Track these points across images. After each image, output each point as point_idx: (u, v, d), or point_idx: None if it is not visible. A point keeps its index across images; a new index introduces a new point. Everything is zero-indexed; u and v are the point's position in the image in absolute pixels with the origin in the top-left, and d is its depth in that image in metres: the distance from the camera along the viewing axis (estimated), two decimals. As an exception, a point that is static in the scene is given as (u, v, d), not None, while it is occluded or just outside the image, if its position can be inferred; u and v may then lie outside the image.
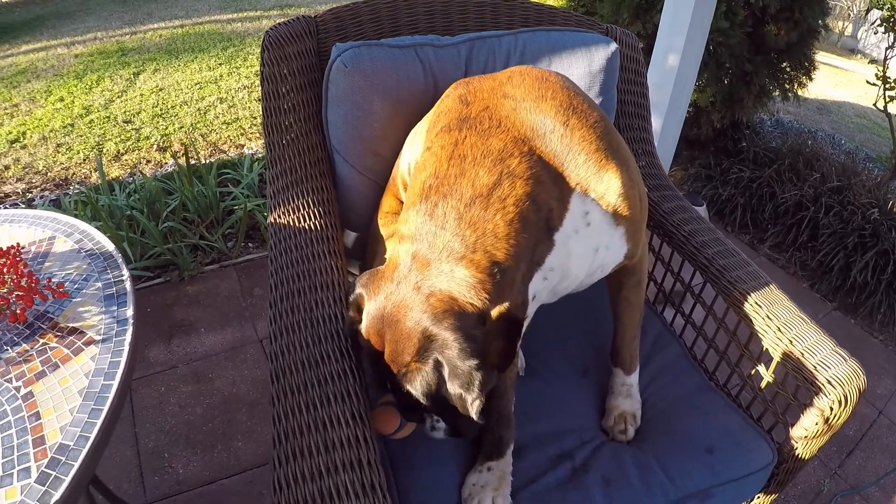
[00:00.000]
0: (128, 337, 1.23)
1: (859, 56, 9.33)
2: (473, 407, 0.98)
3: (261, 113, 1.65)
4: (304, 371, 1.15)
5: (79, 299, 1.32)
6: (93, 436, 1.03)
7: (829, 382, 1.34)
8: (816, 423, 1.38)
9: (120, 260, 1.42)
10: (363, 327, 1.09)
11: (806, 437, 1.42)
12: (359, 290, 1.12)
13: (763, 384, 1.58)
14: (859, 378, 1.36)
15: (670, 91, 2.96)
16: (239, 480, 2.08)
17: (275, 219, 1.50)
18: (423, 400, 1.03)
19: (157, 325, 2.65)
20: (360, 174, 1.59)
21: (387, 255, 1.13)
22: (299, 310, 1.27)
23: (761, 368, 1.57)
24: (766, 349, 1.51)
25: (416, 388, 1.03)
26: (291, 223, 1.47)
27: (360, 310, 1.12)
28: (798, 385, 1.43)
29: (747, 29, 3.50)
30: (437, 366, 1.00)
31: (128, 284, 1.35)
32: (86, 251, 1.45)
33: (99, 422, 1.05)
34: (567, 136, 1.14)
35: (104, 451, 1.10)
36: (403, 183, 1.45)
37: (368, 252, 1.59)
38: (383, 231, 1.46)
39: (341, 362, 1.17)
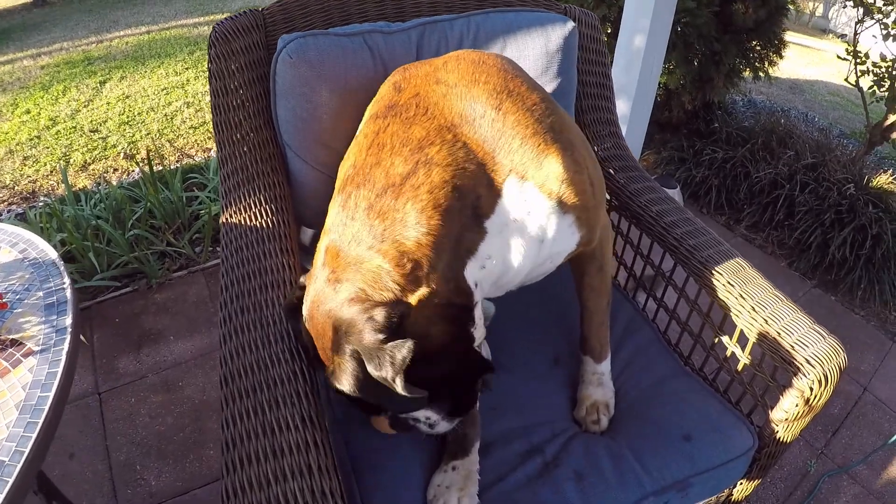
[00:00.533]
0: (66, 347, 1.17)
1: (831, 35, 9.34)
2: (397, 384, 0.93)
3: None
4: (253, 374, 1.11)
5: (20, 310, 1.26)
6: (27, 450, 0.98)
7: (808, 361, 1.30)
8: (797, 405, 1.33)
9: (62, 268, 1.36)
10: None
11: (787, 419, 1.37)
12: (297, 291, 1.10)
13: (740, 366, 1.54)
14: (839, 355, 1.32)
15: (638, 73, 2.92)
16: (211, 490, 2.03)
17: (226, 218, 1.45)
18: (357, 394, 1.00)
19: (126, 336, 2.59)
20: (312, 168, 1.54)
21: None
22: (249, 310, 1.22)
23: (737, 350, 1.53)
24: (742, 330, 1.47)
25: (345, 385, 1.00)
26: (242, 222, 1.42)
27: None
28: (776, 366, 1.39)
29: (714, 8, 3.47)
30: (354, 354, 0.97)
31: (68, 292, 1.30)
32: (29, 260, 1.40)
33: (33, 436, 1.00)
34: (499, 121, 1.10)
35: (41, 464, 1.06)
36: None
37: None
38: None
39: (291, 364, 1.12)
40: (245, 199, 1.48)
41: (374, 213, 1.01)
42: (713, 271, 1.51)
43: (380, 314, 0.96)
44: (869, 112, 3.99)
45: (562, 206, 1.15)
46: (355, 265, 1.00)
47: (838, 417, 2.52)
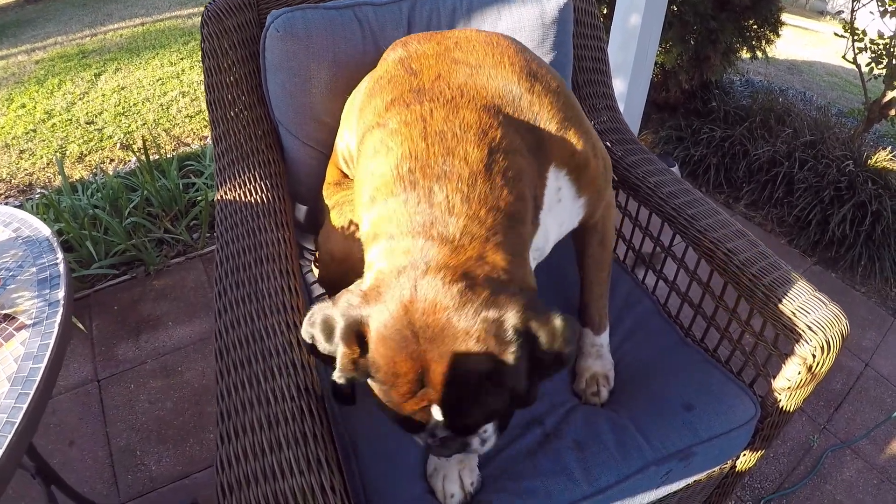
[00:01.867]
0: (58, 318, 1.17)
1: (828, 17, 9.33)
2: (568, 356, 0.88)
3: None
4: (248, 346, 1.10)
5: (13, 286, 1.26)
6: (17, 421, 0.97)
7: (810, 328, 1.29)
8: (799, 373, 1.32)
9: (55, 244, 1.36)
10: (377, 358, 0.89)
11: (789, 387, 1.37)
12: (357, 312, 0.90)
13: (741, 336, 1.53)
14: (841, 322, 1.31)
15: (634, 52, 2.91)
16: (211, 473, 2.02)
17: (221, 195, 1.45)
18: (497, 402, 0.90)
19: (125, 322, 2.59)
20: (303, 144, 1.53)
21: (367, 264, 0.99)
22: (245, 284, 1.22)
23: (738, 319, 1.52)
24: (742, 299, 1.46)
25: (512, 378, 0.88)
26: (237, 199, 1.42)
27: (358, 341, 0.90)
28: (777, 334, 1.38)
29: (710, -14, 3.46)
30: (525, 342, 0.86)
31: (61, 267, 1.29)
32: (23, 238, 1.39)
33: (25, 406, 0.99)
34: (535, 105, 1.06)
35: (34, 435, 1.05)
36: (344, 158, 1.40)
37: (320, 227, 1.49)
38: (328, 203, 1.39)
39: (287, 335, 1.12)
40: (240, 176, 1.47)
41: (475, 203, 0.91)
42: (712, 239, 1.50)
43: (532, 301, 0.88)
44: (867, 90, 3.97)
45: (580, 190, 1.14)
46: (479, 260, 0.89)
47: (840, 393, 2.52)
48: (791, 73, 6.06)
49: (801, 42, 7.38)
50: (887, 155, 3.51)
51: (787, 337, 1.34)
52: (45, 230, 1.40)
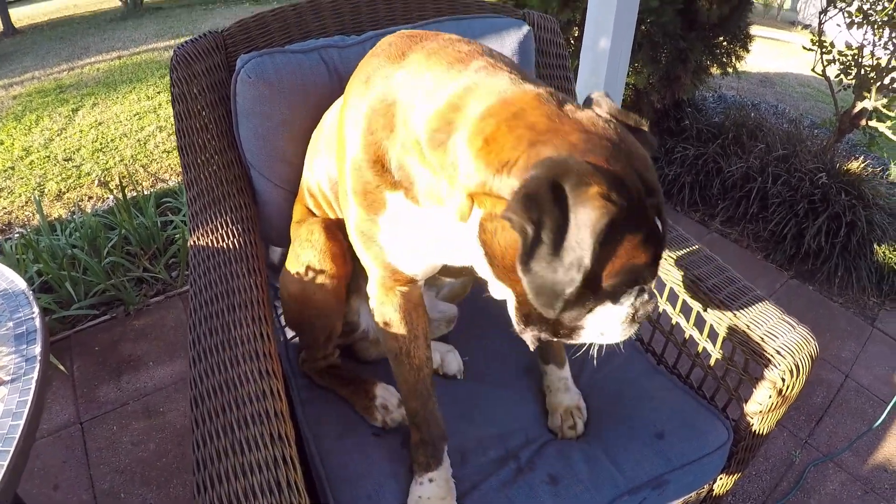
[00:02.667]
0: (35, 375, 1.17)
1: (800, 27, 9.45)
2: None
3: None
4: (222, 394, 1.11)
5: (-10, 342, 1.26)
6: (-1, 478, 0.97)
7: (779, 352, 1.32)
8: (770, 396, 1.35)
9: (31, 297, 1.35)
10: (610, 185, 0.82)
11: (761, 411, 1.39)
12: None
13: (712, 361, 1.55)
14: (810, 344, 1.34)
15: (604, 74, 2.94)
16: (196, 514, 2.02)
17: (194, 241, 1.45)
18: None
19: (106, 364, 2.58)
20: (276, 186, 1.55)
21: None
22: (218, 332, 1.22)
23: (708, 345, 1.54)
24: (711, 325, 1.48)
25: None
26: (210, 244, 1.43)
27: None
28: (747, 359, 1.40)
29: (678, 6, 3.50)
30: None
31: (37, 321, 1.29)
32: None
33: (5, 464, 1.00)
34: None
35: (14, 492, 1.05)
36: (311, 192, 1.41)
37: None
38: (294, 243, 1.39)
39: (260, 383, 1.12)
40: (212, 221, 1.48)
41: None
42: (680, 267, 1.53)
43: None
44: (837, 100, 4.02)
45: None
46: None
47: (821, 406, 2.54)
48: (764, 85, 6.13)
49: (773, 54, 7.47)
50: (860, 165, 3.55)
51: (756, 362, 1.36)
52: (21, 283, 1.40)
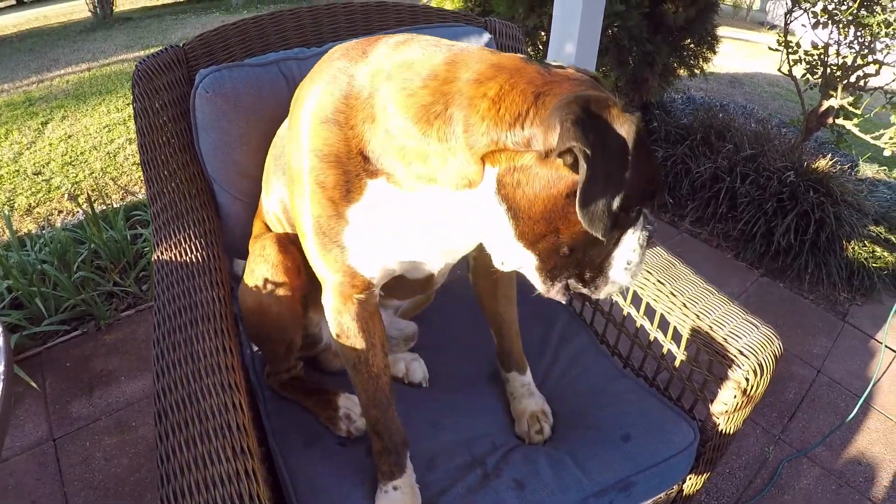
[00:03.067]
0: (-1, 391, 1.16)
1: (768, 28, 9.56)
2: None
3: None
4: (186, 408, 1.11)
5: (-47, 360, 1.25)
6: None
7: (741, 353, 1.34)
8: (735, 396, 1.36)
9: (-8, 315, 1.35)
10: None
11: (726, 411, 1.40)
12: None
13: (677, 363, 1.56)
14: (773, 344, 1.35)
15: (571, 80, 2.96)
16: (170, 528, 2.01)
17: (158, 255, 1.45)
18: None
19: (78, 379, 2.56)
20: (236, 199, 1.56)
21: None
22: (181, 346, 1.22)
23: (672, 347, 1.56)
24: (675, 327, 1.50)
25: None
26: (174, 258, 1.42)
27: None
28: (711, 359, 1.41)
29: (644, 10, 3.54)
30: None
31: (0, 340, 1.28)
32: None
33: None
34: None
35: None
36: (277, 218, 1.41)
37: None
38: (249, 258, 1.40)
39: (223, 396, 1.13)
40: (176, 235, 1.48)
41: None
42: (644, 271, 1.55)
43: None
44: (805, 100, 4.07)
45: None
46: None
47: (794, 402, 2.57)
48: (733, 86, 6.20)
49: (743, 54, 7.56)
50: (828, 163, 3.60)
51: (720, 363, 1.38)
52: None
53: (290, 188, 1.19)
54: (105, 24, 9.91)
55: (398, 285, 1.32)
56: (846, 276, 3.30)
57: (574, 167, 0.87)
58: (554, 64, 1.00)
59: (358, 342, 1.23)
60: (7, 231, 3.38)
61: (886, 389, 2.67)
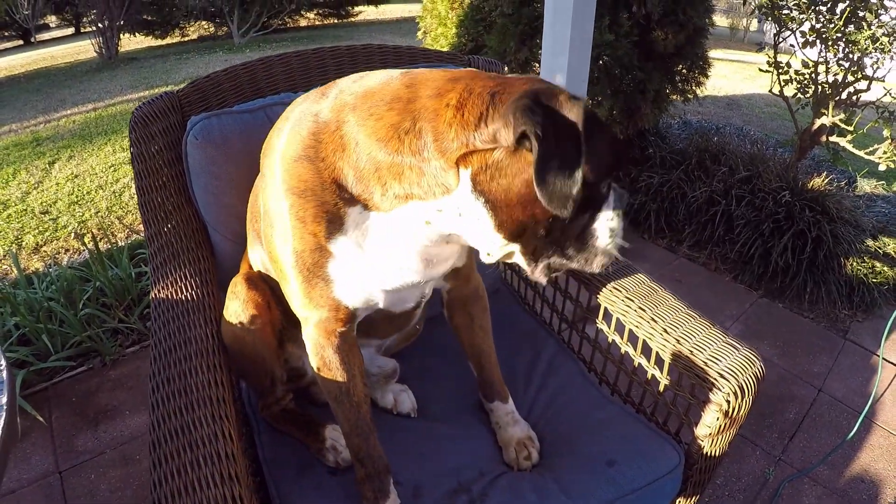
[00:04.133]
0: (1, 422, 1.22)
1: (767, 48, 9.59)
2: None
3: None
4: (178, 438, 1.17)
5: (-41, 392, 1.31)
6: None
7: (722, 376, 1.36)
8: (717, 419, 1.38)
9: None
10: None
11: (710, 434, 1.42)
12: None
13: (661, 387, 1.59)
14: (754, 365, 1.38)
15: (563, 109, 3.00)
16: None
17: (156, 294, 1.50)
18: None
19: (83, 414, 2.60)
20: (228, 240, 1.61)
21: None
22: (174, 379, 1.28)
23: (656, 371, 1.58)
24: (657, 352, 1.53)
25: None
26: (170, 296, 1.48)
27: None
28: (693, 383, 1.44)
29: (634, 38, 3.58)
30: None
31: (4, 374, 1.34)
32: None
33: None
34: None
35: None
36: (261, 273, 1.46)
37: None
38: (227, 295, 1.45)
39: (212, 426, 1.18)
40: (172, 275, 1.53)
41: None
42: (625, 298, 1.58)
43: None
44: (798, 118, 4.09)
45: None
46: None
47: (794, 422, 2.57)
48: (730, 108, 6.24)
49: (741, 76, 7.60)
50: (823, 181, 3.63)
51: (701, 386, 1.40)
52: None
53: (268, 233, 1.24)
54: (110, 65, 10.08)
55: (378, 323, 1.39)
56: (846, 293, 3.31)
57: None
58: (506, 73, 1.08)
59: (340, 374, 1.28)
60: (15, 269, 3.44)
61: (889, 405, 2.67)
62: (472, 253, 1.39)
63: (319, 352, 1.27)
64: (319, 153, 1.10)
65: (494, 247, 1.10)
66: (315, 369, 1.29)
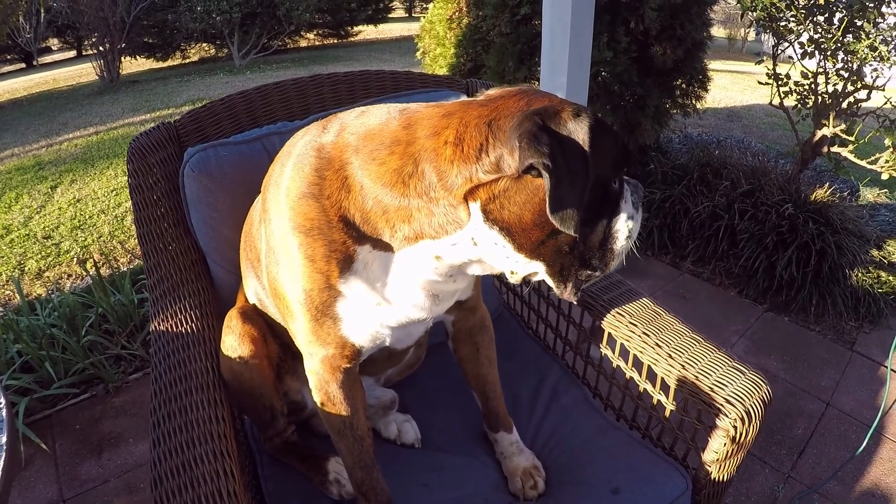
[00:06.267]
0: (0, 462, 1.21)
1: (766, 58, 9.61)
2: None
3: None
4: (180, 475, 1.15)
5: (-40, 429, 1.31)
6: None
7: (728, 401, 1.34)
8: (724, 444, 1.36)
9: (-1, 388, 1.41)
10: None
11: (717, 459, 1.40)
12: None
13: (667, 412, 1.56)
14: (761, 390, 1.35)
15: (562, 127, 3.00)
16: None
17: (156, 326, 1.50)
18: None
19: (87, 441, 2.59)
20: (227, 272, 1.60)
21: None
22: (175, 415, 1.26)
23: (661, 397, 1.56)
24: (662, 378, 1.50)
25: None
26: (169, 329, 1.47)
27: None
28: (700, 409, 1.42)
29: (632, 54, 3.59)
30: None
31: (3, 412, 1.34)
32: None
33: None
34: None
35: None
36: (257, 306, 1.46)
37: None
38: (223, 330, 1.44)
39: (214, 464, 1.17)
40: (171, 307, 1.53)
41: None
42: (629, 323, 1.57)
43: None
44: (799, 129, 4.08)
45: None
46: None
47: (803, 438, 2.54)
48: (731, 120, 6.24)
49: (740, 87, 7.62)
50: (826, 192, 3.61)
51: (707, 411, 1.38)
52: None
53: (273, 270, 1.23)
54: (112, 88, 10.15)
55: (377, 359, 1.40)
56: (852, 305, 3.29)
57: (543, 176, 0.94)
58: (492, 92, 1.08)
59: (343, 409, 1.27)
60: (17, 295, 3.44)
61: (898, 416, 2.64)
62: (479, 283, 1.38)
63: (323, 387, 1.26)
64: (324, 191, 1.10)
65: (517, 266, 1.08)
66: (318, 404, 1.28)
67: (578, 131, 0.95)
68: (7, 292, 3.84)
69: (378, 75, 1.84)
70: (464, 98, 1.09)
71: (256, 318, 1.40)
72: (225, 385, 1.39)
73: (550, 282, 1.11)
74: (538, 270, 1.09)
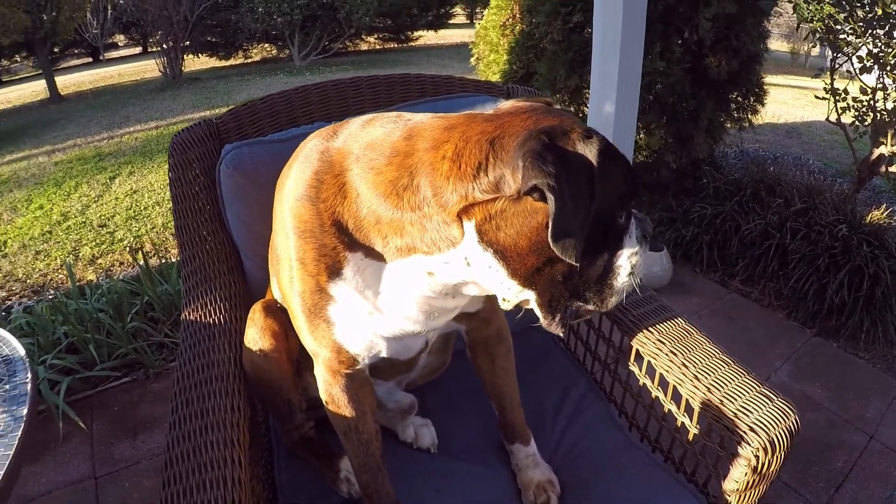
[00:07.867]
0: (19, 433, 1.28)
1: (823, 74, 9.38)
2: None
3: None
4: (191, 459, 1.19)
5: (-14, 400, 1.38)
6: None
7: (752, 429, 1.27)
8: (745, 474, 1.28)
9: (27, 364, 1.48)
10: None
11: (738, 489, 1.32)
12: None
13: (690, 436, 1.49)
14: (788, 419, 1.28)
15: (611, 137, 2.98)
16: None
17: (186, 315, 1.53)
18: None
19: (123, 423, 2.66)
20: (259, 267, 1.62)
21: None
22: (193, 402, 1.29)
23: (685, 420, 1.49)
24: (687, 399, 1.45)
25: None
26: (199, 319, 1.50)
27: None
28: (723, 434, 1.35)
29: (686, 65, 3.53)
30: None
31: (28, 386, 1.41)
32: (2, 357, 1.53)
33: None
34: None
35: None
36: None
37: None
38: (248, 323, 1.45)
39: (223, 450, 1.19)
40: (202, 297, 1.56)
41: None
42: (657, 341, 1.52)
43: None
44: (857, 147, 3.96)
45: None
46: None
47: (842, 471, 2.42)
48: (790, 136, 6.11)
49: (801, 102, 7.45)
50: (882, 213, 3.48)
51: (730, 438, 1.32)
52: (21, 350, 1.54)
53: (275, 267, 1.26)
54: (174, 84, 10.39)
55: (381, 367, 1.39)
56: (905, 334, 3.16)
57: (544, 199, 0.91)
58: (503, 106, 1.06)
59: (347, 411, 1.28)
60: (69, 279, 3.55)
61: (945, 456, 2.53)
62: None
63: (328, 388, 1.28)
64: (321, 194, 1.10)
65: (509, 293, 1.06)
66: (325, 403, 1.30)
67: (587, 154, 0.91)
68: (60, 276, 3.96)
69: (418, 79, 1.85)
70: (468, 113, 1.06)
71: (279, 312, 1.40)
72: (246, 377, 1.41)
73: (539, 312, 1.08)
74: (529, 298, 1.06)
